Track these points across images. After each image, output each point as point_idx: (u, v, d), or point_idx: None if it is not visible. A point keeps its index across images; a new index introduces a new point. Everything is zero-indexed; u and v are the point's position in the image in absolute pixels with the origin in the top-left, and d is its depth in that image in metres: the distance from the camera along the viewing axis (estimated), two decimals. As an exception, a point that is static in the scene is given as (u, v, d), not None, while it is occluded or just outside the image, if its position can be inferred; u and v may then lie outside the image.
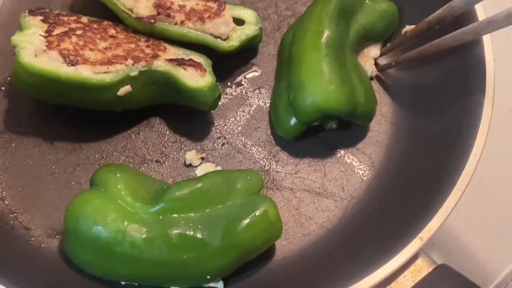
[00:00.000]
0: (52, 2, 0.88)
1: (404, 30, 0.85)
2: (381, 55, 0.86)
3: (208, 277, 0.68)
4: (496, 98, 0.75)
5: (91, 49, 0.75)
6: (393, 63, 0.85)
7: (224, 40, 0.82)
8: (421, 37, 0.81)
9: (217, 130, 0.83)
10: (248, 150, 0.82)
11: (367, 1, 0.85)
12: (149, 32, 0.80)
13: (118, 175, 0.70)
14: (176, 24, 0.80)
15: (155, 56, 0.77)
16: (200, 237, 0.67)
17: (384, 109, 0.86)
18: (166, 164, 0.80)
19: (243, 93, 0.85)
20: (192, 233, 0.67)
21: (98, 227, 0.66)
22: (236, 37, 0.82)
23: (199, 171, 0.79)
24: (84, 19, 0.80)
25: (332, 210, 0.79)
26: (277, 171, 0.81)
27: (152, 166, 0.80)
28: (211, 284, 0.70)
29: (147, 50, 0.78)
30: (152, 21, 0.78)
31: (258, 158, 0.81)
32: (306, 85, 0.76)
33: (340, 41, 0.79)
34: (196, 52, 0.81)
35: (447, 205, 0.67)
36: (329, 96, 0.74)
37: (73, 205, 0.68)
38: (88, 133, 0.80)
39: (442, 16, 0.77)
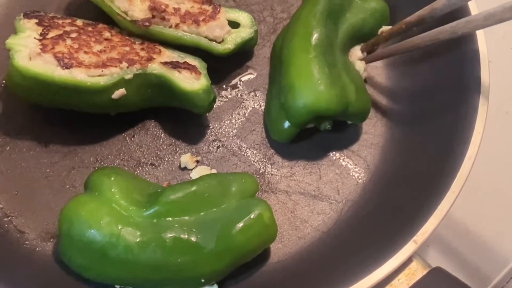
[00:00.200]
0: (47, 5, 0.88)
1: (380, 30, 0.85)
2: (363, 52, 0.86)
3: (202, 280, 0.68)
4: (492, 100, 0.74)
5: (85, 52, 0.75)
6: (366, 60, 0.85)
7: (219, 43, 0.82)
8: (398, 38, 0.81)
9: (212, 133, 0.83)
10: (243, 153, 0.82)
11: (356, 0, 0.84)
12: (144, 35, 0.80)
13: (113, 179, 0.70)
14: (171, 27, 0.80)
15: (150, 59, 0.77)
16: (194, 240, 0.67)
17: (379, 112, 0.85)
18: (161, 167, 0.80)
19: (239, 95, 0.85)
20: (186, 236, 0.67)
21: (92, 230, 0.66)
22: (231, 40, 0.82)
23: (194, 174, 0.79)
24: (79, 22, 0.80)
25: (327, 213, 0.79)
26: (272, 174, 0.81)
27: (147, 169, 0.80)
28: (206, 288, 0.70)
29: (142, 53, 0.78)
30: (147, 24, 0.78)
31: (253, 161, 0.81)
32: (296, 87, 0.76)
33: (329, 41, 0.79)
34: (191, 55, 0.81)
35: (442, 208, 0.67)
36: (320, 97, 0.74)
37: (67, 208, 0.68)
38: (83, 136, 0.80)
39: (422, 17, 0.77)
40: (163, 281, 0.68)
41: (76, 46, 0.75)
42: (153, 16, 0.79)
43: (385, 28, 0.85)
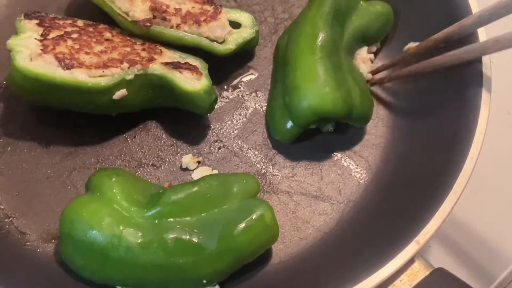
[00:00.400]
0: (48, 6, 0.88)
1: (406, 47, 0.84)
2: (379, 71, 0.85)
3: (204, 281, 0.68)
4: (494, 101, 0.74)
5: (86, 53, 0.75)
6: (386, 79, 0.85)
7: (221, 43, 0.82)
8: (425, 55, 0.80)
9: (214, 134, 0.83)
10: (244, 154, 0.82)
11: (361, 3, 0.84)
12: (145, 35, 0.80)
13: (114, 179, 0.70)
14: (172, 27, 0.80)
15: (151, 60, 0.77)
16: (196, 241, 0.67)
17: (381, 112, 0.85)
18: (162, 168, 0.80)
19: (240, 96, 0.85)
20: (188, 237, 0.67)
21: (94, 231, 0.66)
22: (233, 40, 0.82)
23: (196, 175, 0.79)
24: (80, 22, 0.80)
25: (329, 213, 0.79)
26: (273, 175, 0.81)
27: (148, 170, 0.80)
28: (208, 288, 0.70)
29: (143, 54, 0.78)
30: (148, 24, 0.78)
31: (255, 162, 0.81)
32: (302, 88, 0.76)
33: (335, 43, 0.79)
34: (192, 55, 0.80)
35: (444, 208, 0.67)
36: (325, 99, 0.74)
37: (68, 209, 0.68)
38: (84, 137, 0.80)
39: (450, 34, 0.76)
40: (165, 282, 0.68)
41: (77, 46, 0.75)
42: (154, 17, 0.79)
43: (411, 45, 0.84)
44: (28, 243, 0.74)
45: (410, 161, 0.79)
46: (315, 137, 0.83)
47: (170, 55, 0.79)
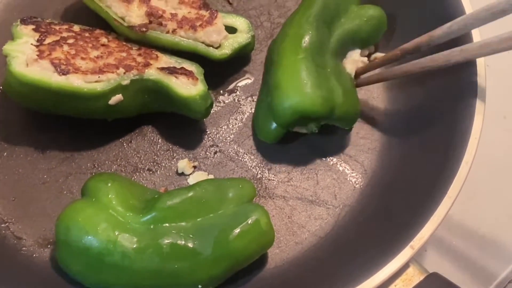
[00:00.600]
0: (45, 11, 0.88)
1: (373, 56, 0.86)
2: (357, 75, 0.85)
3: (199, 286, 0.68)
4: (489, 105, 0.74)
5: (82, 58, 0.75)
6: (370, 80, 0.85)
7: (216, 48, 0.82)
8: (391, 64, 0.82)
9: (210, 138, 0.83)
10: (240, 158, 0.82)
11: (353, 6, 0.84)
12: (141, 40, 0.80)
13: (109, 185, 0.70)
14: (168, 32, 0.80)
15: (147, 65, 0.77)
16: (191, 246, 0.67)
17: (376, 117, 0.86)
18: (158, 172, 0.80)
19: (236, 100, 0.85)
20: (183, 242, 0.67)
21: (89, 237, 0.66)
22: (228, 45, 0.82)
23: (192, 180, 0.79)
24: (76, 27, 0.81)
25: (324, 218, 0.79)
26: (269, 179, 0.81)
27: (144, 174, 0.80)
28: (203, 293, 0.70)
29: (139, 59, 0.78)
30: (144, 29, 0.79)
31: (251, 166, 0.81)
32: (282, 87, 0.76)
33: (320, 44, 0.79)
34: (188, 60, 0.81)
35: (439, 213, 0.67)
36: (305, 98, 0.74)
37: (64, 215, 0.68)
38: (80, 142, 0.80)
39: (419, 44, 0.76)
40: (160, 287, 0.68)
41: (73, 52, 0.75)
42: (150, 22, 0.79)
43: (378, 55, 0.85)
44: (24, 248, 0.74)
45: (405, 166, 0.79)
46: (310, 142, 0.83)
47: (166, 60, 0.79)
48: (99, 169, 0.79)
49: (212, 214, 0.69)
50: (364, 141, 0.84)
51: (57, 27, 0.79)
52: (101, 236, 0.66)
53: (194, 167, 0.81)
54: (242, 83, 0.87)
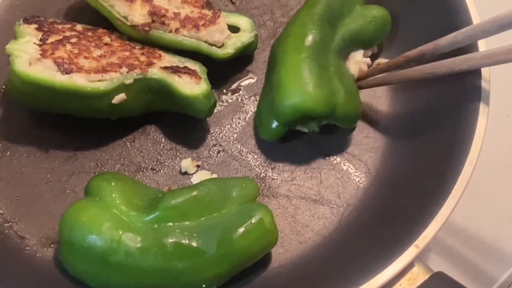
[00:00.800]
0: (47, 10, 0.88)
1: (376, 61, 0.86)
2: (360, 79, 0.85)
3: (203, 285, 0.67)
4: (492, 104, 0.74)
5: (85, 57, 0.75)
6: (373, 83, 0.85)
7: (219, 47, 0.82)
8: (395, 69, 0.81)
9: (213, 138, 0.83)
10: (244, 158, 0.82)
11: (357, 6, 0.84)
12: (144, 39, 0.80)
13: (113, 184, 0.70)
14: (171, 31, 0.80)
15: (150, 64, 0.77)
16: (195, 245, 0.67)
17: (380, 116, 0.85)
18: (161, 172, 0.80)
19: (239, 100, 0.85)
20: (187, 241, 0.67)
21: (93, 236, 0.66)
22: (231, 45, 0.82)
23: (195, 179, 0.79)
24: (79, 27, 0.80)
25: (328, 217, 0.79)
26: (273, 179, 0.81)
27: (148, 174, 0.80)
28: (207, 293, 0.69)
29: (142, 58, 0.78)
30: (147, 28, 0.78)
31: (254, 166, 0.81)
32: (284, 86, 0.76)
33: (324, 44, 0.79)
34: (191, 59, 0.80)
35: (443, 212, 0.67)
36: (306, 97, 0.74)
37: (67, 214, 0.68)
38: (83, 141, 0.80)
39: (424, 52, 0.76)
40: (164, 286, 0.68)
41: (76, 51, 0.75)
42: (153, 21, 0.79)
43: (381, 60, 0.85)
44: (27, 247, 0.74)
45: (409, 165, 0.79)
46: (313, 141, 0.83)
47: (169, 59, 0.79)
48: (103, 168, 0.79)
49: (215, 213, 0.69)
50: (368, 140, 0.84)
51: (60, 26, 0.79)
52: (104, 235, 0.66)
53: (198, 166, 0.80)
54: (245, 82, 0.87)
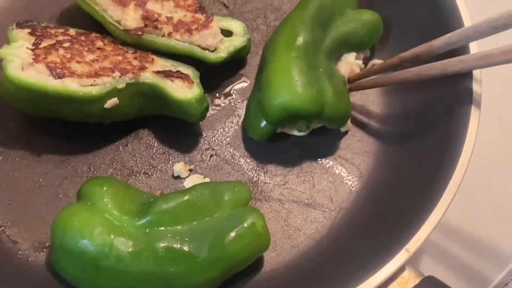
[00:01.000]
0: (40, 15, 0.88)
1: (371, 62, 0.86)
2: (353, 80, 0.85)
3: (195, 290, 0.68)
4: (485, 106, 0.74)
5: (78, 62, 0.75)
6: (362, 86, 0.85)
7: (212, 51, 0.82)
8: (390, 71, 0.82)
9: (206, 142, 0.83)
10: (236, 162, 0.82)
11: (349, 9, 0.85)
12: (137, 44, 0.80)
13: (105, 188, 0.70)
14: (163, 36, 0.80)
15: (143, 68, 0.77)
16: (187, 250, 0.67)
17: (372, 120, 0.86)
18: (154, 176, 0.80)
19: (232, 104, 0.85)
20: (179, 246, 0.67)
21: (85, 240, 0.66)
22: (224, 49, 0.82)
23: (188, 183, 0.79)
24: (72, 31, 0.80)
25: (320, 221, 0.79)
26: (265, 183, 0.81)
27: (140, 178, 0.80)
28: (199, 297, 0.69)
29: (135, 62, 0.78)
30: (140, 33, 0.79)
31: (247, 169, 0.81)
32: (273, 85, 0.76)
33: (314, 45, 0.80)
34: (184, 63, 0.81)
35: (434, 216, 0.67)
36: (295, 96, 0.75)
37: (59, 218, 0.68)
38: (76, 145, 0.80)
39: (418, 54, 0.77)
40: (156, 291, 0.68)
41: (68, 55, 0.75)
42: (146, 25, 0.79)
43: (376, 61, 0.86)
44: (19, 252, 0.74)
45: (401, 169, 0.79)
46: (306, 145, 0.83)
47: (162, 64, 0.79)
48: (95, 172, 0.79)
49: (208, 218, 0.69)
50: (360, 144, 0.84)
51: (52, 31, 0.79)
52: (96, 240, 0.66)
53: (190, 170, 0.80)
54: (238, 86, 0.87)
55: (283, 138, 0.82)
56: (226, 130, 0.84)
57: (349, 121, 0.83)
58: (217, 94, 0.86)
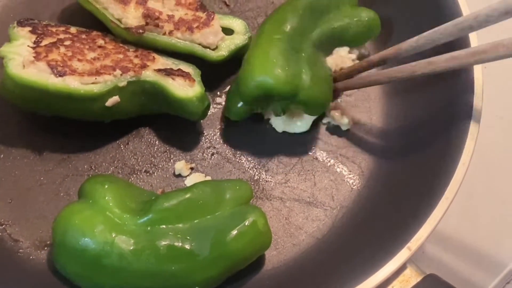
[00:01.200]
0: (42, 13, 0.88)
1: (340, 66, 0.85)
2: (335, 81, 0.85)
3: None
4: (485, 105, 0.74)
5: (79, 60, 0.75)
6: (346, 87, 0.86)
7: (213, 49, 0.82)
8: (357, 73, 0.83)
9: (207, 140, 0.83)
10: (237, 160, 0.82)
11: (347, 6, 0.85)
12: (138, 42, 0.80)
13: (106, 186, 0.70)
14: (164, 34, 0.80)
15: (144, 66, 0.77)
16: (188, 248, 0.67)
17: (374, 118, 0.86)
18: (155, 174, 0.80)
19: (233, 102, 0.85)
20: (180, 244, 0.67)
21: (86, 238, 0.66)
22: (225, 47, 0.82)
23: (189, 181, 0.79)
24: (73, 29, 0.80)
25: (322, 219, 0.79)
26: (266, 181, 0.81)
27: (141, 176, 0.80)
28: (200, 295, 0.70)
29: (136, 60, 0.78)
30: (141, 31, 0.79)
31: (248, 168, 0.81)
32: (251, 63, 0.76)
33: (301, 31, 0.80)
34: (185, 62, 0.81)
35: (436, 214, 0.67)
36: (269, 74, 0.74)
37: (61, 217, 0.68)
38: (77, 143, 0.80)
39: (386, 57, 0.77)
40: (157, 289, 0.68)
41: (69, 53, 0.75)
42: (147, 23, 0.79)
43: (344, 65, 0.85)
44: (21, 250, 0.74)
45: (403, 167, 0.79)
46: (307, 143, 0.83)
47: (163, 62, 0.79)
48: (96, 171, 0.79)
49: (209, 216, 0.69)
50: (362, 142, 0.84)
51: (53, 29, 0.79)
52: (98, 238, 0.66)
53: (191, 168, 0.80)
54: (239, 84, 0.87)
55: (284, 137, 0.83)
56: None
57: (350, 120, 0.84)
58: (218, 93, 0.86)
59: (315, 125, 0.84)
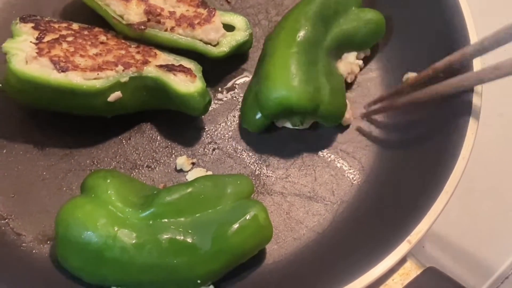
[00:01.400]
0: (44, 9, 0.88)
1: (405, 76, 0.84)
2: (376, 102, 0.85)
3: (198, 281, 0.68)
4: (485, 102, 0.75)
5: (81, 56, 0.76)
6: (382, 108, 0.84)
7: (214, 46, 0.82)
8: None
9: (208, 135, 0.83)
10: (238, 155, 0.82)
11: (353, 8, 0.85)
12: (140, 38, 0.81)
13: (109, 181, 0.70)
14: (166, 30, 0.80)
15: (146, 62, 0.77)
16: (190, 241, 0.67)
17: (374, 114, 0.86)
18: (157, 169, 0.80)
19: (234, 98, 0.86)
20: (182, 237, 0.67)
21: (89, 232, 0.66)
22: (226, 43, 0.83)
23: (190, 176, 0.80)
24: (75, 25, 0.81)
25: (322, 214, 0.79)
26: (267, 176, 0.81)
27: (143, 171, 0.80)
28: (202, 289, 0.70)
29: (138, 56, 0.78)
30: (143, 27, 0.79)
31: (249, 163, 0.82)
32: (271, 78, 0.77)
33: (315, 41, 0.80)
34: (187, 58, 0.81)
35: (435, 208, 0.67)
36: (291, 91, 0.75)
37: (63, 211, 0.68)
38: (79, 139, 0.81)
39: (452, 62, 0.74)
40: (159, 282, 0.68)
41: (72, 49, 0.76)
42: (149, 20, 0.79)
43: (411, 75, 0.83)
44: (24, 244, 0.74)
45: (403, 162, 0.79)
46: (308, 138, 0.83)
47: (165, 58, 0.80)
48: (98, 165, 0.80)
49: (210, 210, 0.70)
50: (362, 137, 0.84)
51: (56, 25, 0.79)
52: (100, 231, 0.66)
53: (193, 163, 0.81)
54: (240, 80, 0.87)
55: (285, 132, 0.83)
56: (228, 124, 0.84)
57: (350, 115, 0.84)
58: (220, 88, 0.87)
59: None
